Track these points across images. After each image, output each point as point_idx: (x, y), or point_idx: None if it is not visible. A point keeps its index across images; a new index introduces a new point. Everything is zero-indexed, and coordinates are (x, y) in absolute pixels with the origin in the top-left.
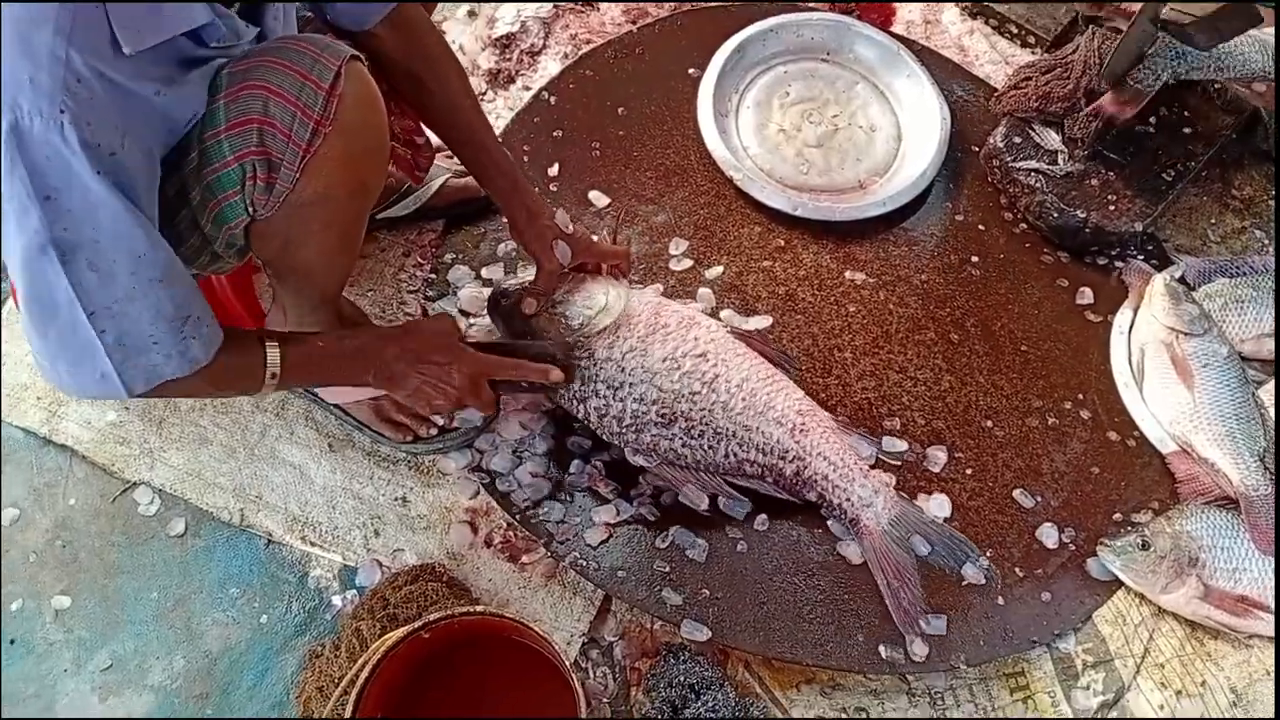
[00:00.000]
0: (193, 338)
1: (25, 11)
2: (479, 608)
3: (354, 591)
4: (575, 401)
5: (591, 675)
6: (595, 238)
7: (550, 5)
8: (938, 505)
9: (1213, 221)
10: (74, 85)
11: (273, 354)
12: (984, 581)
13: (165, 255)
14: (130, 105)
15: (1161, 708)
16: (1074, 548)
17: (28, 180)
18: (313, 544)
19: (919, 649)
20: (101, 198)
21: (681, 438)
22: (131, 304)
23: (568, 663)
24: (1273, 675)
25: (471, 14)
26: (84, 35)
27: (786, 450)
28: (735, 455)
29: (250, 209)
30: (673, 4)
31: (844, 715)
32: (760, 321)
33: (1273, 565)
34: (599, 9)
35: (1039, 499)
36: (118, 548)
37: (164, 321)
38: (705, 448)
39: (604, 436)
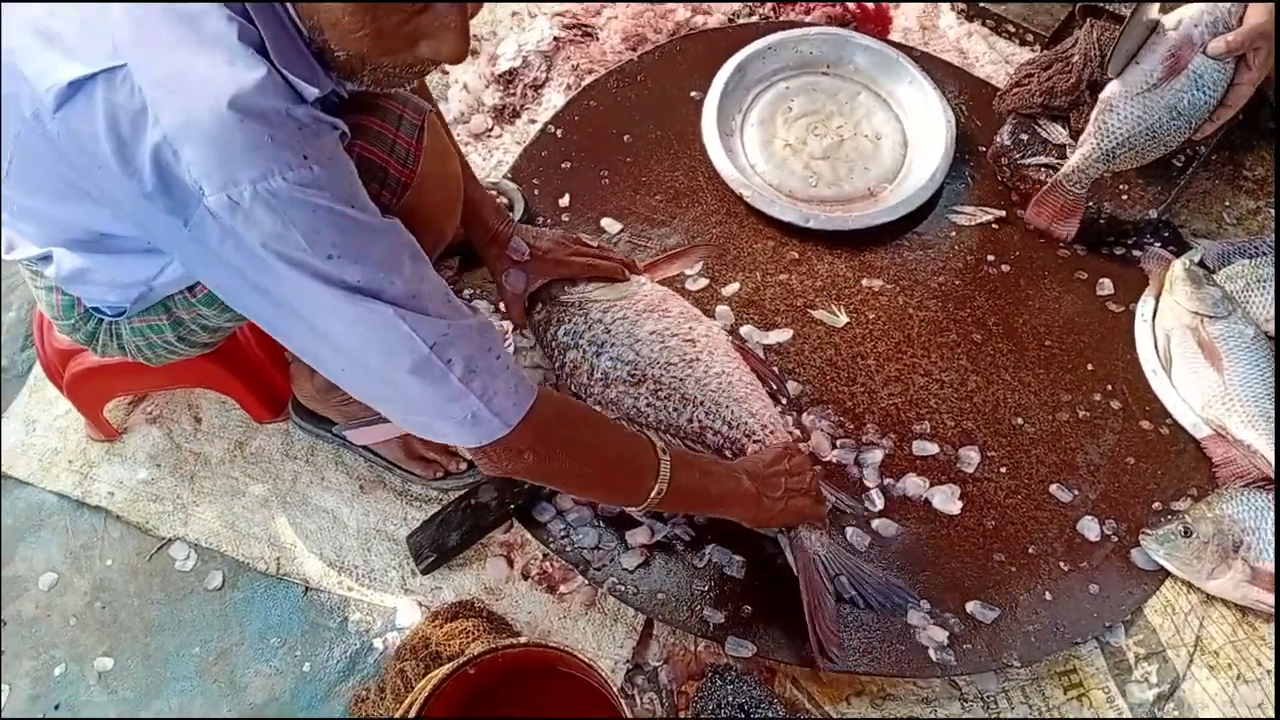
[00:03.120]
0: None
1: (243, 77)
2: (522, 639)
3: (395, 633)
4: (556, 348)
5: (639, 702)
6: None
7: (551, 39)
8: (944, 498)
9: (1227, 204)
10: (305, 131)
11: (656, 439)
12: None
13: (441, 282)
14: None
15: (1219, 695)
16: (1116, 539)
17: (304, 242)
18: (350, 588)
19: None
20: (370, 227)
21: (647, 398)
22: (458, 325)
23: (615, 689)
24: None
25: (473, 52)
26: (286, 90)
27: (753, 432)
28: (699, 421)
29: None
30: (672, 24)
31: None
32: (780, 335)
33: None
34: (599, 39)
35: (1077, 492)
36: (157, 605)
37: (491, 335)
38: (670, 409)
39: (570, 387)
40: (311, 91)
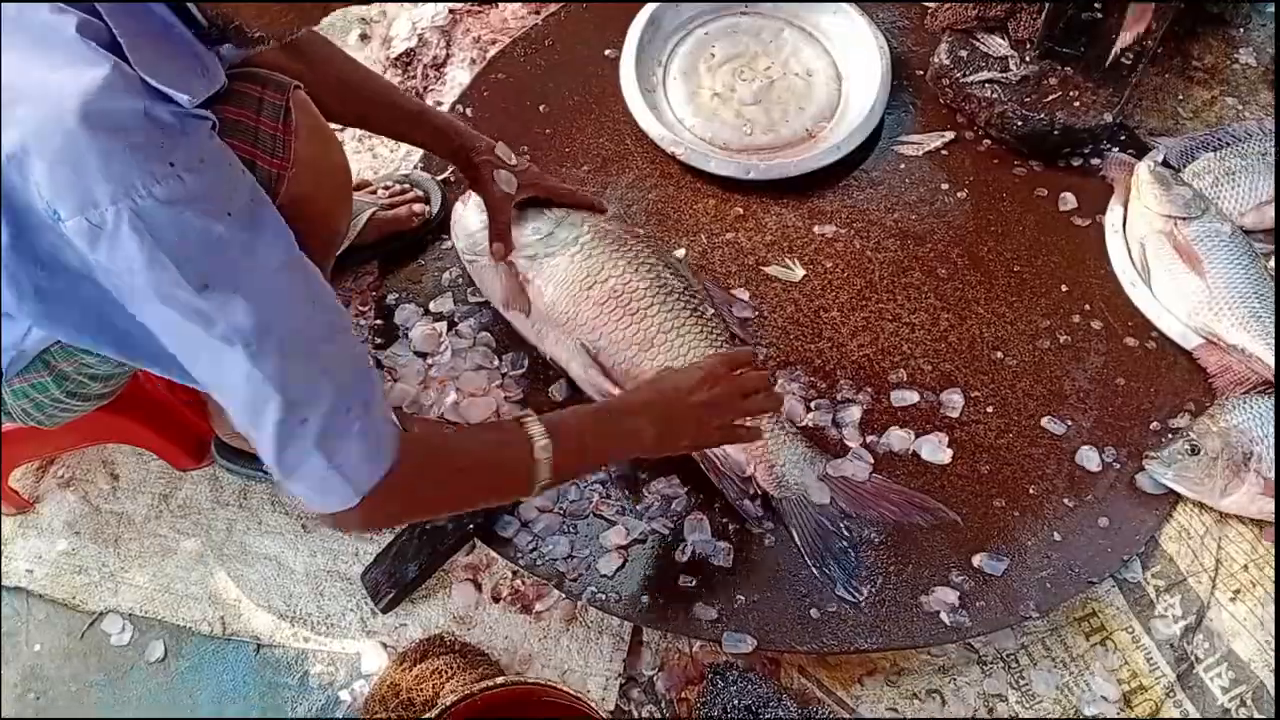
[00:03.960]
0: (376, 402)
1: (86, 76)
2: (500, 680)
3: (361, 681)
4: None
5: (638, 716)
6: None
7: (446, 11)
8: (931, 448)
9: (1180, 98)
10: (169, 133)
11: (534, 428)
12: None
13: (330, 295)
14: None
15: (1248, 619)
16: (1119, 466)
17: (178, 274)
18: (306, 639)
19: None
20: (247, 244)
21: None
22: (325, 377)
23: (605, 715)
24: None
25: (364, 37)
26: (141, 86)
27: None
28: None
29: None
30: None
31: (917, 701)
32: (739, 294)
33: None
34: (498, 6)
35: (1070, 423)
36: (97, 687)
37: (356, 386)
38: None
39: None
40: (182, 98)
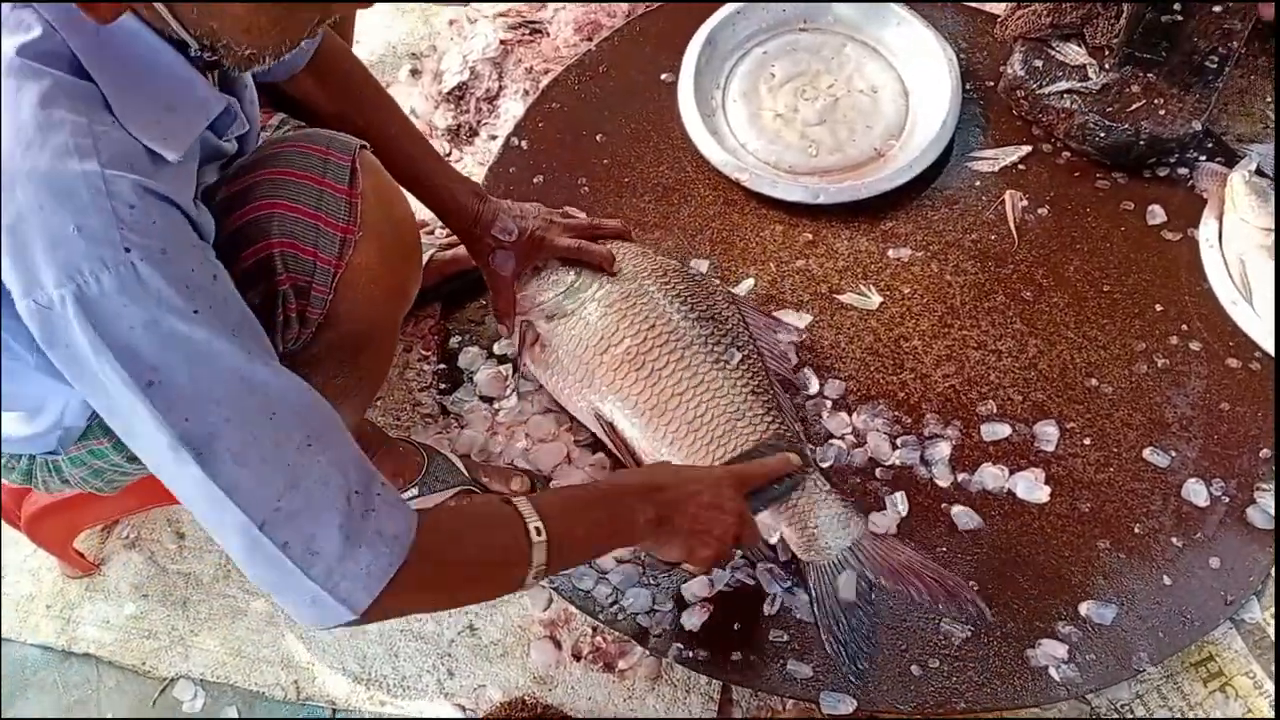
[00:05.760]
0: (374, 510)
1: (32, 141)
2: None
3: None
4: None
5: None
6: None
7: (496, 43)
8: (1028, 486)
9: (1268, 100)
10: (127, 214)
11: (525, 507)
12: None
13: (306, 401)
14: (184, 222)
15: None
16: (1228, 499)
17: (120, 366)
18: (383, 702)
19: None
20: (208, 348)
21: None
22: (297, 492)
23: None
24: None
25: (414, 73)
26: (111, 150)
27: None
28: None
29: (281, 346)
30: (628, 5)
31: None
32: (798, 320)
33: None
34: (549, 34)
35: (1174, 454)
36: None
37: (342, 500)
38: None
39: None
40: (170, 155)
